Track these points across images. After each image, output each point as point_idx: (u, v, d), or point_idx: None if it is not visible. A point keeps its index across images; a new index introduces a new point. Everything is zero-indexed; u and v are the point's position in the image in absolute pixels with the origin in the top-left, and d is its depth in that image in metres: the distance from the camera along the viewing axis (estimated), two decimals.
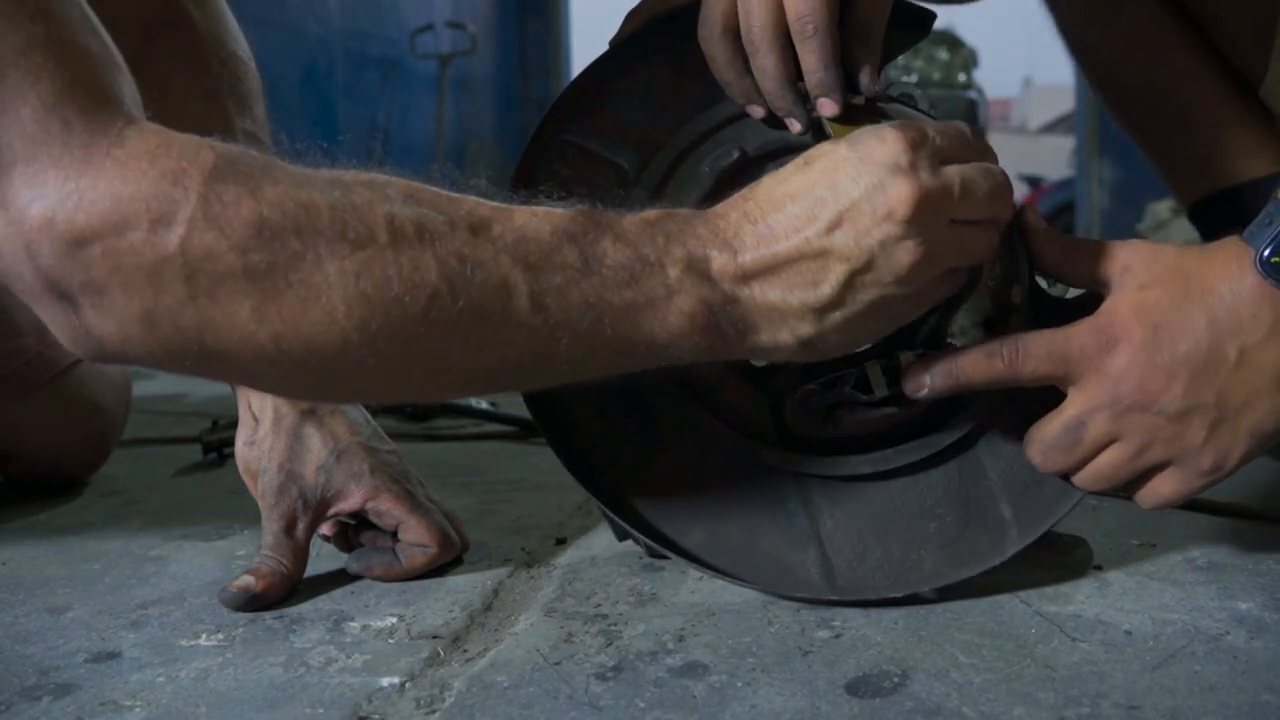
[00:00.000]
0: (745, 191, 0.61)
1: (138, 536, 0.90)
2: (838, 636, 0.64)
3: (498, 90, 6.54)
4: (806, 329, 0.59)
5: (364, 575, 0.77)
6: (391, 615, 0.71)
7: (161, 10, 0.88)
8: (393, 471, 0.78)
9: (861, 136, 0.59)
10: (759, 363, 0.70)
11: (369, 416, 0.82)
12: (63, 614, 0.73)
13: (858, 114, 0.67)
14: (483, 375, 0.58)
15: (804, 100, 0.67)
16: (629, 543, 0.77)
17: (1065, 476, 0.68)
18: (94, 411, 1.07)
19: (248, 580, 0.72)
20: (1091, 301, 0.66)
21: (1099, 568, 0.74)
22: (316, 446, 0.77)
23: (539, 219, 0.56)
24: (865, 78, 0.67)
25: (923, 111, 0.70)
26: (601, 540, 0.84)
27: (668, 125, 0.73)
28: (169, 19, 0.88)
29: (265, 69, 0.92)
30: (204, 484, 1.10)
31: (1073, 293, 0.69)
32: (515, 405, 1.31)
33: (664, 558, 0.74)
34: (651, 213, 0.59)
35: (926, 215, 0.57)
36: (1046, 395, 0.66)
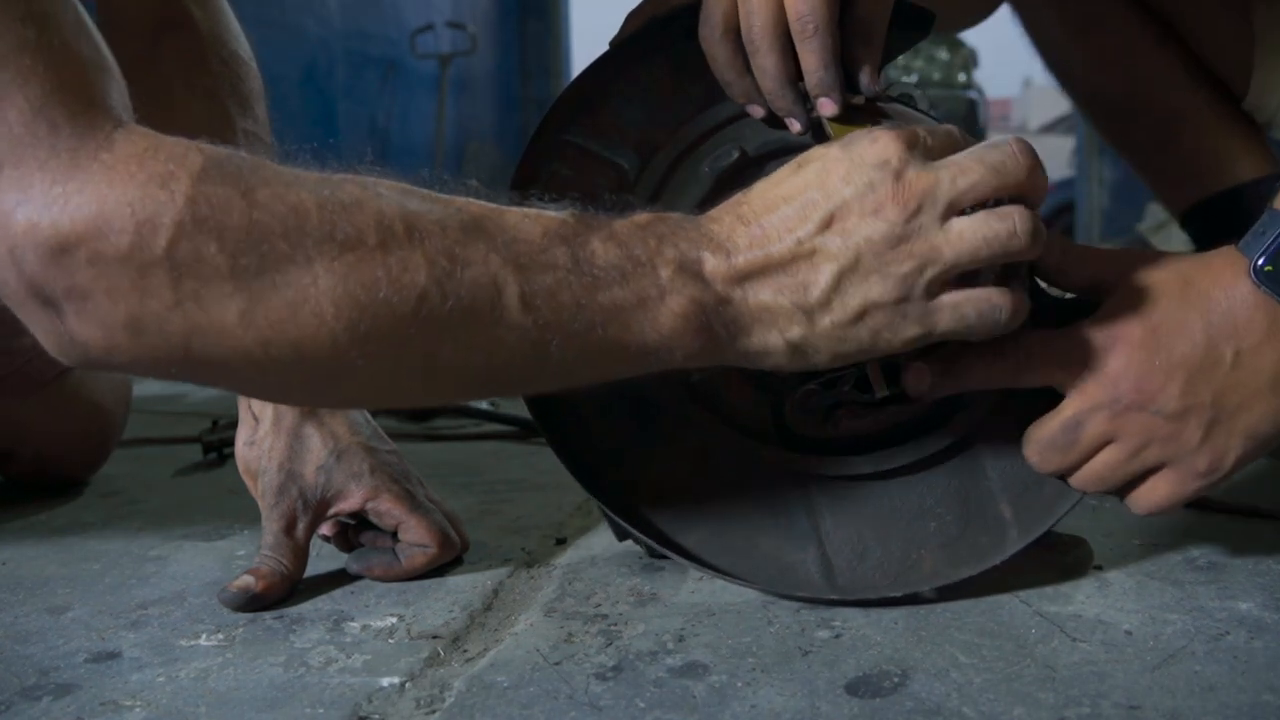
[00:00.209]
0: (738, 196, 0.61)
1: (138, 536, 0.90)
2: (838, 636, 0.64)
3: (498, 90, 6.54)
4: (796, 331, 0.58)
5: (364, 575, 0.77)
6: (391, 615, 0.71)
7: (166, 11, 0.88)
8: (393, 471, 0.78)
9: (854, 139, 0.59)
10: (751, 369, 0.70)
11: (369, 416, 0.82)
12: (63, 614, 0.73)
13: (857, 114, 0.67)
14: (474, 379, 0.57)
15: (804, 100, 0.67)
16: (629, 543, 0.77)
17: (1063, 477, 0.68)
18: (94, 411, 1.07)
19: (248, 580, 0.72)
20: (1089, 303, 0.66)
21: (1099, 568, 0.74)
22: (316, 446, 0.77)
23: (530, 220, 0.56)
24: (865, 77, 0.67)
25: (922, 112, 0.70)
26: (601, 540, 0.84)
27: (668, 125, 0.73)
28: (172, 20, 0.88)
29: (265, 69, 0.92)
30: (204, 484, 1.10)
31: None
32: (515, 405, 1.32)
33: (664, 558, 0.74)
34: (643, 216, 0.59)
35: (916, 215, 0.57)
36: (1046, 396, 0.66)
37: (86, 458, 1.10)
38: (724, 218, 0.59)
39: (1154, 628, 0.64)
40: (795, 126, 0.68)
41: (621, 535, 0.75)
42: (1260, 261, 0.62)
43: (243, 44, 0.91)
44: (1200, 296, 0.63)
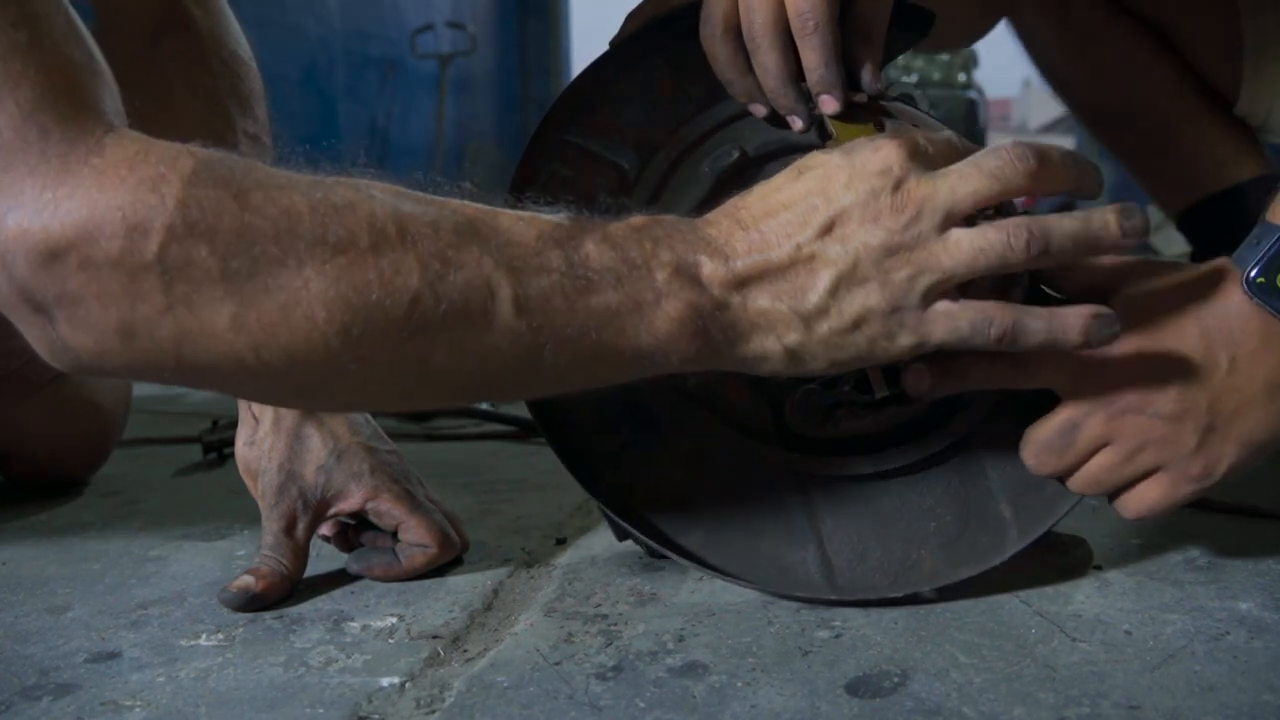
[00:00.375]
0: (736, 200, 0.61)
1: (138, 536, 0.90)
2: (838, 636, 0.64)
3: (498, 90, 6.54)
4: (793, 337, 0.58)
5: (364, 575, 0.77)
6: (391, 615, 0.71)
7: (166, 12, 0.88)
8: (393, 471, 0.78)
9: (856, 146, 0.59)
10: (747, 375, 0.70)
11: (369, 417, 0.82)
12: (63, 614, 0.73)
13: (859, 112, 0.67)
14: (467, 382, 0.57)
15: (806, 98, 0.67)
16: (629, 543, 0.77)
17: (1059, 480, 0.68)
18: (94, 411, 1.07)
19: (248, 580, 0.72)
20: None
21: (1099, 568, 0.74)
22: (316, 446, 0.77)
23: (524, 223, 0.56)
24: (867, 75, 0.67)
25: (923, 111, 0.70)
26: (601, 540, 0.84)
27: (668, 125, 0.73)
28: (172, 20, 0.88)
29: (265, 69, 0.92)
30: (204, 484, 1.10)
31: None
32: (515, 405, 1.32)
33: (664, 558, 0.74)
34: (638, 219, 0.59)
35: (915, 222, 0.57)
36: (1045, 397, 0.66)
37: (86, 458, 1.10)
38: (721, 222, 0.59)
39: (1154, 628, 0.64)
40: (797, 124, 0.68)
41: (621, 535, 0.75)
42: (1253, 273, 0.63)
43: (243, 44, 0.91)
44: (1196, 304, 0.64)
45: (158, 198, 0.49)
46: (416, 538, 0.76)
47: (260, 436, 0.78)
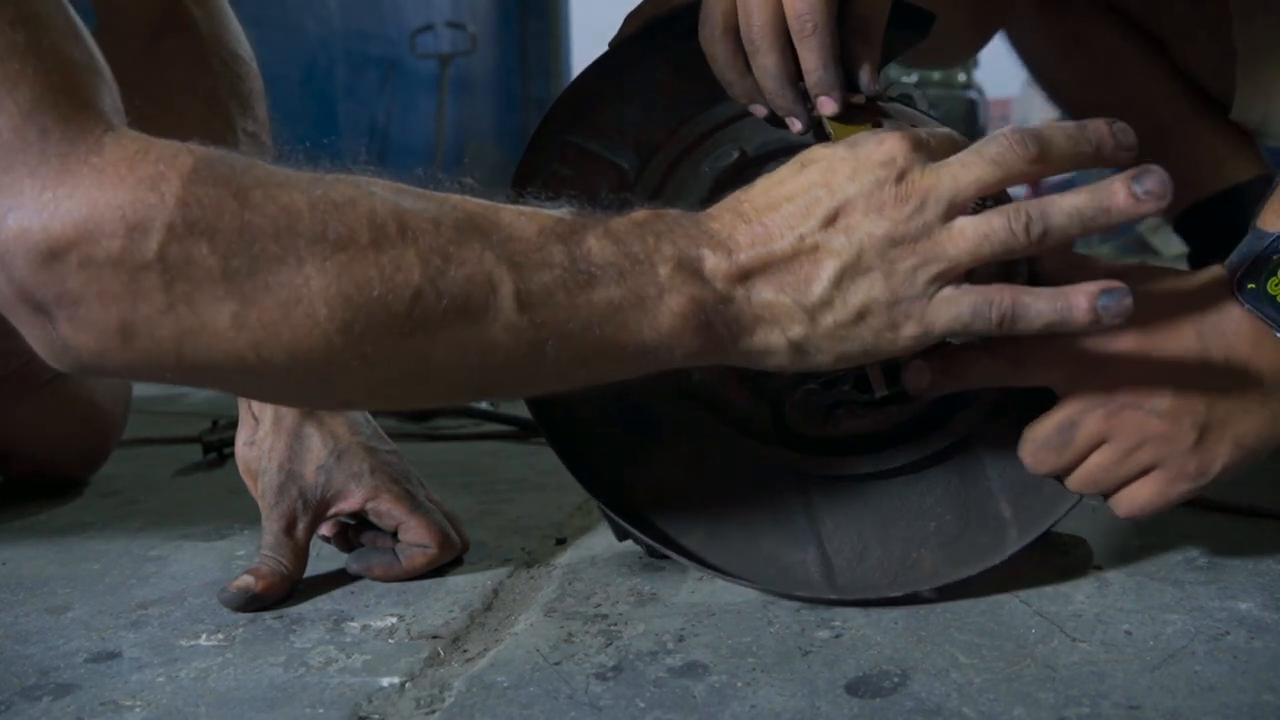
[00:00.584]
0: (739, 194, 0.60)
1: (138, 536, 0.90)
2: (838, 636, 0.64)
3: (498, 90, 6.54)
4: (798, 330, 0.58)
5: (364, 575, 0.77)
6: (391, 615, 0.71)
7: (166, 12, 0.88)
8: (393, 472, 0.78)
9: (859, 139, 0.59)
10: (752, 370, 0.70)
11: (369, 416, 0.82)
12: (63, 614, 0.73)
13: (858, 113, 0.67)
14: (469, 379, 0.57)
15: (805, 99, 0.67)
16: (629, 543, 0.77)
17: (1058, 479, 0.68)
18: (94, 411, 1.07)
19: (248, 580, 0.72)
20: None
21: (1099, 568, 0.74)
22: (316, 446, 0.77)
23: (525, 218, 0.56)
24: (865, 76, 0.67)
25: (922, 112, 0.70)
26: (601, 540, 0.84)
27: (668, 125, 0.73)
28: (172, 20, 0.88)
29: (265, 69, 0.92)
30: (204, 484, 1.10)
31: None
32: (515, 405, 1.32)
33: (664, 558, 0.74)
34: (640, 213, 0.58)
35: (919, 212, 0.57)
36: (1045, 396, 0.66)
37: (86, 458, 1.10)
38: (724, 215, 0.59)
39: (1154, 628, 0.64)
40: (796, 125, 0.68)
41: (621, 535, 0.75)
42: (1244, 281, 0.63)
43: (243, 44, 0.91)
44: (1192, 308, 0.64)
45: (158, 196, 0.49)
46: (416, 538, 0.76)
47: (260, 436, 0.78)
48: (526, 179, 0.72)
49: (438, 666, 0.63)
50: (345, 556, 0.79)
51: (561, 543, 0.85)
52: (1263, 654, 0.60)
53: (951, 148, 0.60)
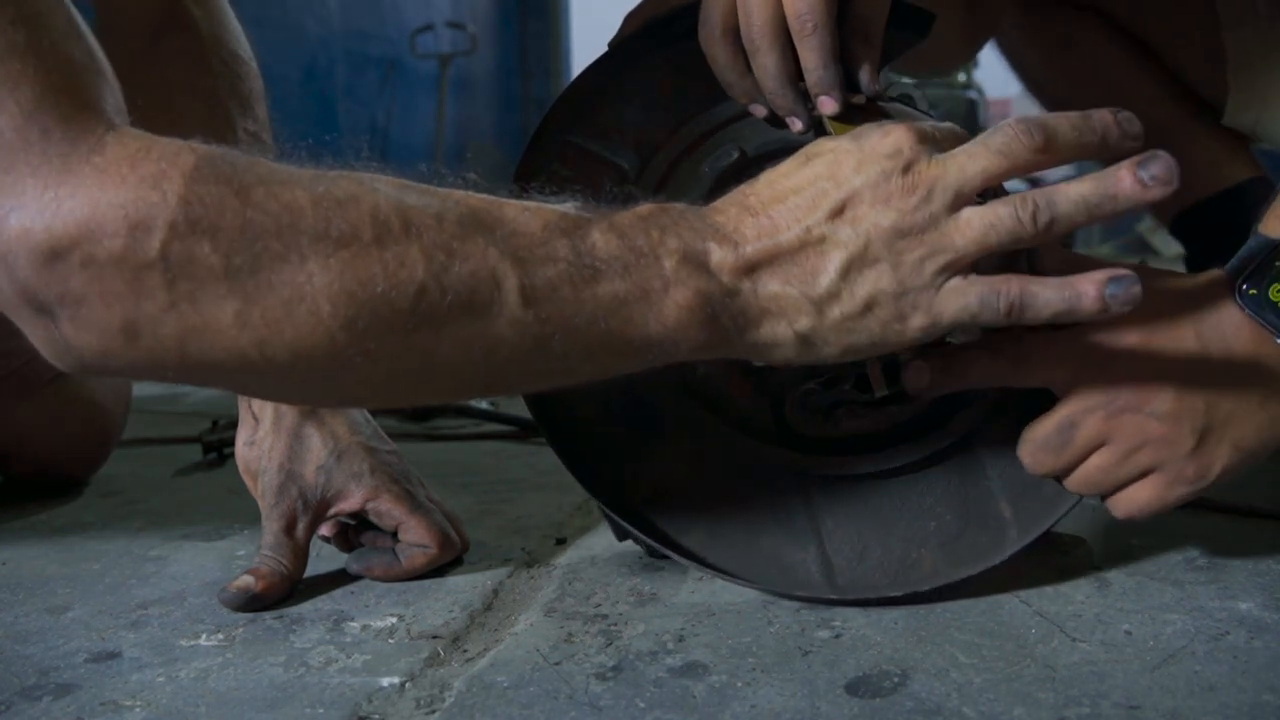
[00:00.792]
0: (744, 187, 0.60)
1: (138, 536, 0.90)
2: (838, 636, 0.64)
3: (498, 90, 6.54)
4: (805, 322, 0.58)
5: (364, 575, 0.77)
6: (391, 615, 0.71)
7: (166, 12, 0.88)
8: (393, 472, 0.78)
9: (865, 131, 0.59)
10: (758, 363, 0.70)
11: (369, 416, 0.82)
12: (63, 614, 0.73)
13: (858, 113, 0.67)
14: (474, 375, 0.57)
15: (805, 99, 0.67)
16: (629, 543, 0.77)
17: (1056, 479, 0.68)
18: (94, 411, 1.07)
19: (248, 580, 0.72)
20: None
21: (1099, 568, 0.74)
22: (317, 446, 0.77)
23: (529, 213, 0.56)
24: (865, 76, 0.67)
25: (922, 111, 0.70)
26: (601, 540, 0.84)
27: (668, 125, 0.73)
28: (172, 20, 0.88)
29: (265, 69, 0.92)
30: (204, 484, 1.10)
31: None
32: (516, 405, 1.32)
33: (664, 558, 0.74)
34: (644, 207, 0.58)
35: (925, 203, 0.57)
36: (1045, 396, 0.66)
37: (86, 458, 1.10)
38: (729, 209, 0.59)
39: (1154, 628, 0.64)
40: (797, 125, 0.68)
41: (621, 535, 0.76)
42: (1244, 285, 0.63)
43: (243, 44, 0.91)
44: (1192, 311, 0.64)
45: (159, 195, 0.49)
46: (416, 538, 0.76)
47: (260, 436, 0.78)
48: (526, 179, 0.72)
49: (438, 666, 0.63)
50: (345, 556, 0.79)
51: (561, 543, 0.85)
52: (1263, 654, 0.60)
53: (955, 140, 0.60)
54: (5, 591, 0.78)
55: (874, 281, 0.57)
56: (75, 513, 0.99)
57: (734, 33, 0.67)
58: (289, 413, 0.77)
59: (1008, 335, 0.64)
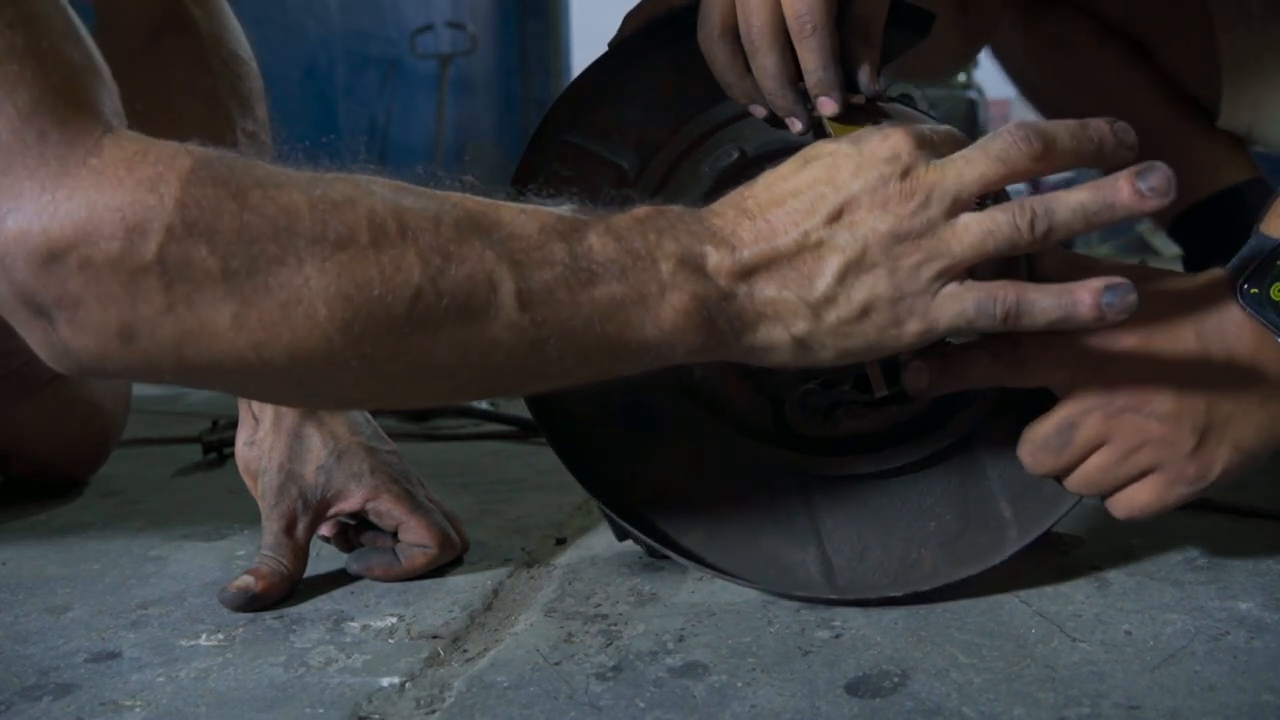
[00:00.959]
0: (741, 190, 0.60)
1: (138, 536, 0.90)
2: (838, 636, 0.64)
3: (498, 90, 6.54)
4: (801, 326, 0.58)
5: (364, 575, 0.77)
6: (391, 615, 0.71)
7: (166, 12, 0.88)
8: (393, 472, 0.78)
9: (864, 135, 0.59)
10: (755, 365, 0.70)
11: (369, 416, 0.82)
12: (63, 614, 0.73)
13: (858, 113, 0.67)
14: (470, 378, 0.57)
15: (804, 99, 0.67)
16: (629, 543, 0.77)
17: (1056, 479, 0.68)
18: (94, 411, 1.07)
19: (247, 580, 0.72)
20: None
21: (1099, 568, 0.74)
22: (317, 446, 0.77)
23: (526, 216, 0.56)
24: (864, 76, 0.67)
25: (922, 111, 0.70)
26: (601, 540, 0.84)
27: (668, 125, 0.73)
28: (172, 20, 0.88)
29: (265, 69, 0.92)
30: (204, 484, 1.10)
31: None
32: (515, 405, 1.32)
33: (664, 558, 0.74)
34: (642, 210, 0.58)
35: (923, 208, 0.57)
36: (1045, 396, 0.66)
37: (86, 458, 1.10)
38: (727, 212, 0.59)
39: (1154, 628, 0.64)
40: (797, 126, 0.68)
41: (621, 535, 0.76)
42: (1246, 285, 0.63)
43: (243, 44, 0.91)
44: (1193, 311, 0.64)
45: (156, 198, 0.49)
46: (416, 538, 0.76)
47: (260, 436, 0.78)
48: (526, 179, 0.72)
49: (438, 666, 0.63)
50: (345, 556, 0.79)
51: (561, 543, 0.85)
52: (1263, 654, 0.60)
53: (954, 144, 0.60)
54: (5, 591, 0.78)
55: (871, 287, 0.57)
56: (75, 513, 0.99)
57: (733, 33, 0.67)
58: (289, 413, 0.77)
59: (1006, 336, 0.64)
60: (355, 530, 0.81)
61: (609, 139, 0.73)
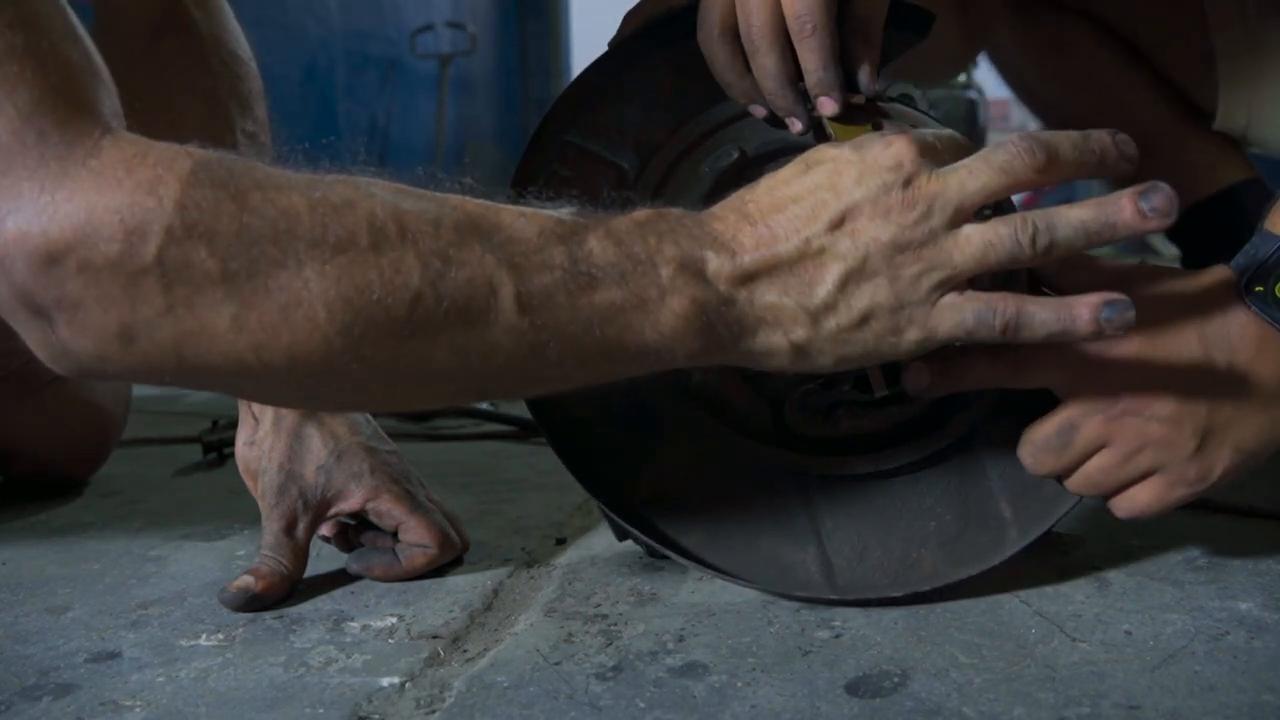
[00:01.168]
0: (742, 193, 0.60)
1: (138, 536, 0.90)
2: (838, 636, 0.64)
3: (498, 90, 6.54)
4: (800, 333, 0.58)
5: (364, 575, 0.77)
6: (391, 615, 0.71)
7: (166, 12, 0.88)
8: (393, 472, 0.78)
9: (866, 141, 0.59)
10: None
11: (369, 417, 0.82)
12: (63, 614, 0.73)
13: (858, 113, 0.67)
14: (469, 381, 0.57)
15: (804, 99, 0.67)
16: (629, 543, 0.77)
17: (1057, 480, 0.68)
18: (94, 411, 1.07)
19: (248, 580, 0.72)
20: None
21: (1099, 568, 0.74)
22: (317, 446, 0.77)
23: (526, 219, 0.56)
24: (864, 76, 0.67)
25: (922, 112, 0.70)
26: (601, 540, 0.84)
27: (667, 125, 0.73)
28: (172, 21, 0.88)
29: (265, 69, 0.92)
30: (204, 484, 1.10)
31: None
32: (516, 405, 1.32)
33: (664, 558, 0.74)
34: (642, 213, 0.58)
35: (926, 218, 0.57)
36: (1045, 397, 0.66)
37: (86, 458, 1.10)
38: (728, 216, 0.59)
39: (1154, 628, 0.64)
40: (796, 126, 0.68)
41: (621, 535, 0.76)
42: (1251, 282, 0.63)
43: (243, 44, 0.91)
44: (1195, 310, 0.64)
45: (155, 200, 0.49)
46: (416, 538, 0.76)
47: (260, 436, 0.78)
48: (526, 179, 0.72)
49: (438, 666, 0.63)
50: (345, 556, 0.79)
51: (561, 543, 0.85)
52: (1263, 654, 0.60)
53: (958, 151, 0.60)
54: (5, 591, 0.78)
55: (871, 295, 0.57)
56: (75, 513, 0.99)
57: (733, 33, 0.67)
58: (289, 413, 0.77)
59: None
60: (355, 530, 0.81)
61: (609, 139, 0.73)
